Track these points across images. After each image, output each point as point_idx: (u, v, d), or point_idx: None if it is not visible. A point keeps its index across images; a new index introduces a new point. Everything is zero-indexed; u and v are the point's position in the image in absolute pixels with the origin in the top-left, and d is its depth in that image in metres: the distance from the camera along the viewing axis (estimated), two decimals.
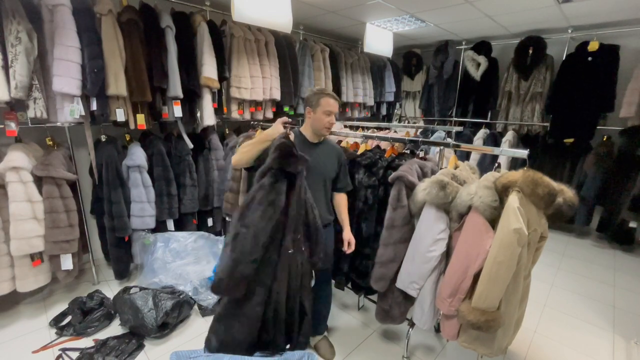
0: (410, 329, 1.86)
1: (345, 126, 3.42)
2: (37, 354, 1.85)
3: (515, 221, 1.23)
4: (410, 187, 1.58)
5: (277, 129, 1.52)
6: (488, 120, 4.18)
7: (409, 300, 1.72)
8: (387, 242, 1.63)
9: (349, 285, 2.04)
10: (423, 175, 1.68)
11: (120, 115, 2.30)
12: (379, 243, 1.68)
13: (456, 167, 1.69)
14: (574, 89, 3.39)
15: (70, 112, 2.12)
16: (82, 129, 2.34)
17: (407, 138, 2.01)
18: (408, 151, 2.07)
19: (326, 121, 1.58)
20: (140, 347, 1.90)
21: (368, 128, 3.48)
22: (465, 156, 3.74)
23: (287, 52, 3.29)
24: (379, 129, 3.59)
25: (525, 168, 1.33)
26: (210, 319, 2.15)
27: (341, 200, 1.75)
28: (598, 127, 3.39)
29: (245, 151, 1.53)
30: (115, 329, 2.05)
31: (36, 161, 2.09)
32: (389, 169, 1.73)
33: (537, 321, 2.20)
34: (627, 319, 2.26)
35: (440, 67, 4.44)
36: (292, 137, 1.56)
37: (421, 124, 4.66)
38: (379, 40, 3.80)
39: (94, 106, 2.20)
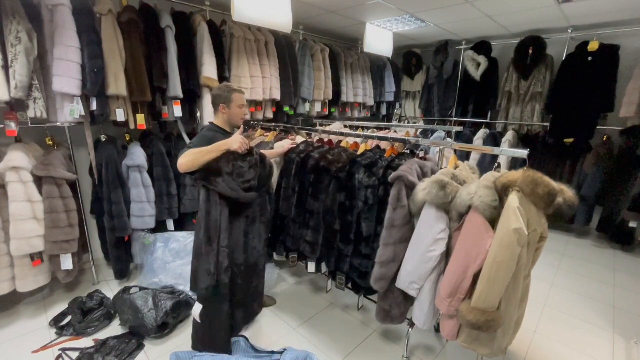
0: (410, 329, 1.86)
1: (345, 126, 3.43)
2: (37, 354, 1.85)
3: (515, 221, 1.23)
4: (411, 187, 1.58)
5: (237, 143, 1.61)
6: (488, 120, 4.18)
7: (409, 300, 1.72)
8: (387, 242, 1.62)
9: (349, 285, 2.04)
10: (423, 175, 1.68)
11: (120, 115, 2.30)
12: (379, 243, 1.68)
13: (456, 167, 1.69)
14: (574, 89, 3.39)
15: (70, 112, 2.12)
16: (82, 129, 2.34)
17: (406, 138, 2.01)
18: (408, 151, 2.07)
19: (241, 113, 1.81)
20: (140, 347, 1.90)
21: (368, 128, 3.49)
22: (465, 156, 3.74)
23: (287, 52, 3.29)
24: (379, 129, 3.60)
25: (525, 168, 1.33)
26: None
27: None
28: (598, 127, 3.39)
29: (199, 157, 1.55)
30: (115, 329, 2.05)
31: (36, 161, 2.09)
32: (389, 169, 1.73)
33: (537, 321, 2.20)
34: (627, 319, 2.26)
35: (440, 67, 4.44)
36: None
37: (421, 124, 4.67)
38: (379, 40, 3.80)
39: (94, 106, 2.20)
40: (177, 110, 2.59)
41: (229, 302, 1.77)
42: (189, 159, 1.53)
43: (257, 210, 1.86)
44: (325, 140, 2.45)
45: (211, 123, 1.84)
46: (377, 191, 1.73)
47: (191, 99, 2.67)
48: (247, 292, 1.92)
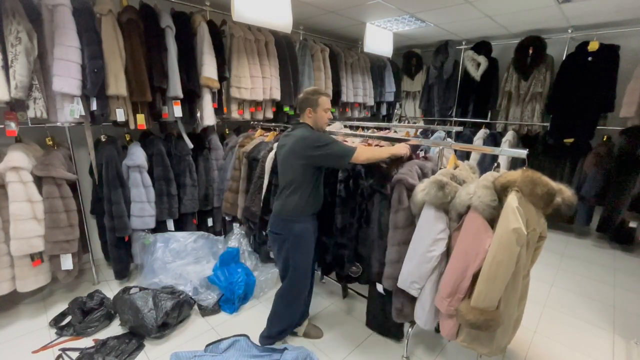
0: (410, 329, 1.86)
1: (345, 126, 3.42)
2: (37, 354, 1.86)
3: (514, 221, 1.23)
4: (411, 189, 1.59)
5: (405, 149, 1.76)
6: (488, 120, 4.18)
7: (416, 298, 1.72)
8: (392, 242, 1.66)
9: (332, 275, 2.09)
10: (423, 175, 1.69)
11: (120, 115, 2.30)
12: (352, 233, 1.83)
13: (456, 167, 1.69)
14: (574, 88, 3.39)
15: (70, 112, 2.13)
16: (82, 129, 2.35)
17: (406, 138, 2.01)
18: None
19: (326, 117, 1.81)
20: (140, 347, 1.90)
21: (368, 128, 3.49)
22: (465, 156, 3.74)
23: (287, 52, 3.29)
24: (379, 129, 3.60)
25: (524, 168, 1.33)
26: (210, 319, 2.17)
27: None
28: (598, 127, 3.39)
29: (378, 156, 1.70)
30: (115, 329, 2.06)
31: (36, 161, 2.09)
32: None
33: (537, 321, 2.20)
34: (627, 319, 2.26)
35: (440, 67, 4.43)
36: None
37: (421, 124, 4.66)
38: (379, 40, 3.80)
39: (94, 106, 2.20)
40: (177, 110, 2.59)
41: None
42: (370, 155, 1.66)
43: None
44: None
45: (306, 124, 1.76)
46: (348, 184, 1.82)
47: (191, 99, 2.67)
48: None
